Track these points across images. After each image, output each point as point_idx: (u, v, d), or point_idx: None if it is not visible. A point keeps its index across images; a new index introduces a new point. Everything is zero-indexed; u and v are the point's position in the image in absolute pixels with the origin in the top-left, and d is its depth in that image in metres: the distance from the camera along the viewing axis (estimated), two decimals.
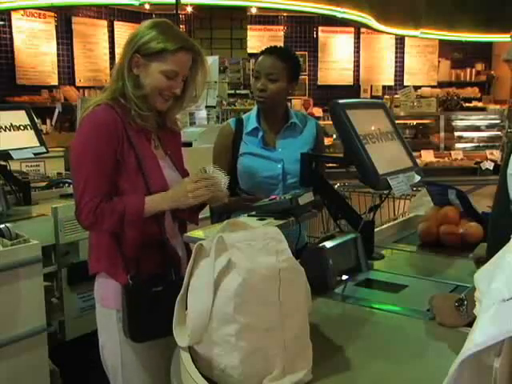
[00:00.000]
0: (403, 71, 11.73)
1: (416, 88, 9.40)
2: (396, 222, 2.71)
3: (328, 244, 1.75)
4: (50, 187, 3.71)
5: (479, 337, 0.72)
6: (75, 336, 2.88)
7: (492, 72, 11.42)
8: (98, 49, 9.81)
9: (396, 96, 9.14)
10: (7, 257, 2.21)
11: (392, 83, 11.64)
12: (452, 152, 7.88)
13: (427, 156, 7.66)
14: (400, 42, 11.59)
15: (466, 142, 8.19)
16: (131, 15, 9.93)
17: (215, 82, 5.37)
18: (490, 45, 11.19)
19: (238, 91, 8.23)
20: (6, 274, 2.20)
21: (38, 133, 3.38)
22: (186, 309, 1.19)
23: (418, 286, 1.76)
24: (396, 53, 11.70)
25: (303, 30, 11.34)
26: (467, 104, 9.16)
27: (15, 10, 8.20)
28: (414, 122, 8.26)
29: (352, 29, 11.23)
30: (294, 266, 1.15)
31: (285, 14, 10.91)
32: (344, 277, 1.79)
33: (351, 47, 11.53)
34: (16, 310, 2.24)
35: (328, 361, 1.24)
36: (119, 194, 1.67)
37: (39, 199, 3.34)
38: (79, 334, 2.86)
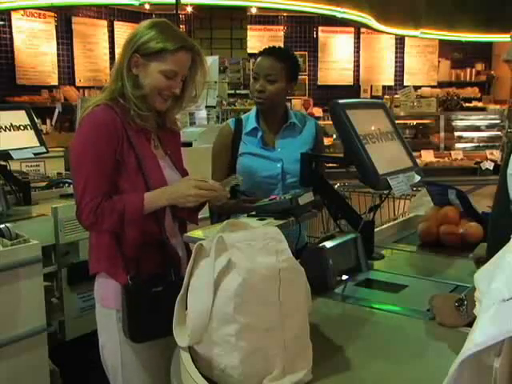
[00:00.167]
0: (403, 71, 11.73)
1: (416, 88, 9.41)
2: (396, 222, 2.71)
3: (328, 244, 1.75)
4: (50, 187, 3.71)
5: (479, 337, 0.72)
6: (75, 336, 2.88)
7: (492, 72, 11.42)
8: (98, 49, 9.81)
9: (396, 96, 9.14)
10: (7, 257, 2.21)
11: (392, 83, 11.65)
12: (452, 152, 7.88)
13: (427, 156, 7.66)
14: (400, 42, 11.59)
15: (466, 142, 8.20)
16: (131, 15, 9.93)
17: (215, 82, 5.37)
18: (490, 45, 11.19)
19: (238, 91, 8.23)
20: (6, 274, 2.20)
21: (38, 133, 3.38)
22: (186, 309, 1.19)
23: (417, 286, 1.76)
24: (396, 53, 11.70)
25: (303, 30, 11.34)
26: (467, 104, 9.17)
27: (15, 9, 8.20)
28: (414, 122, 8.26)
29: (352, 29, 11.23)
30: (294, 266, 1.15)
31: (285, 14, 10.92)
32: (344, 277, 1.79)
33: (351, 47, 11.53)
34: (16, 310, 2.24)
35: (328, 361, 1.24)
36: (119, 193, 1.67)
37: (39, 199, 3.34)
38: (79, 334, 2.86)
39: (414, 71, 11.72)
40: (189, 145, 3.86)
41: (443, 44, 11.35)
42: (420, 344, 1.36)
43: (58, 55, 9.23)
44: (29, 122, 3.32)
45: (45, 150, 3.34)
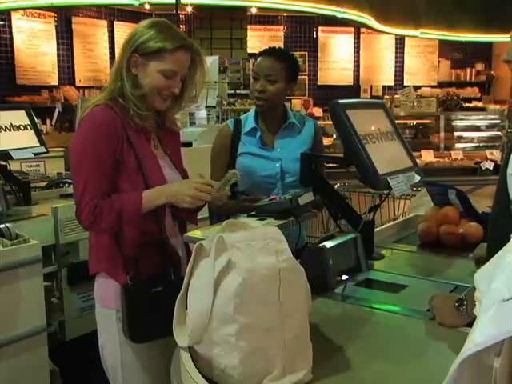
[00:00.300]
0: (403, 71, 11.73)
1: (416, 88, 9.41)
2: (396, 222, 2.71)
3: (328, 244, 1.75)
4: (50, 187, 3.71)
5: (479, 337, 0.72)
6: (75, 336, 2.88)
7: (492, 72, 11.42)
8: (98, 49, 9.81)
9: (396, 96, 9.14)
10: (7, 257, 2.21)
11: (392, 83, 11.64)
12: (452, 152, 7.89)
13: (427, 156, 7.67)
14: (400, 41, 11.58)
15: (466, 142, 8.20)
16: (131, 15, 9.93)
17: (215, 82, 5.37)
18: (490, 45, 11.18)
19: (238, 91, 8.22)
20: (6, 274, 2.20)
21: (38, 133, 3.38)
22: (186, 309, 1.19)
23: (418, 286, 1.76)
24: (396, 53, 11.70)
25: (303, 30, 11.34)
26: (467, 104, 9.17)
27: (15, 9, 8.20)
28: (414, 122, 8.26)
29: (352, 29, 11.23)
30: (294, 266, 1.15)
31: (285, 14, 10.91)
32: (344, 277, 1.79)
33: (351, 47, 11.53)
34: (16, 310, 2.24)
35: (328, 361, 1.24)
36: (119, 193, 1.67)
37: (39, 199, 3.34)
38: (79, 334, 2.86)
39: (413, 71, 11.72)
40: (189, 145, 3.86)
41: (443, 44, 11.35)
42: (420, 344, 1.36)
43: (58, 55, 9.23)
44: (29, 122, 3.32)
45: (45, 150, 3.34)
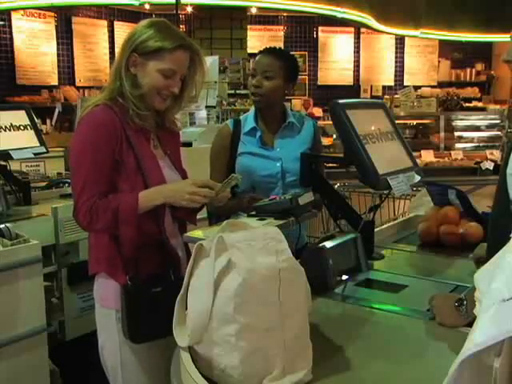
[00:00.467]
0: (403, 71, 11.74)
1: (416, 88, 9.41)
2: (396, 221, 2.71)
3: (328, 244, 1.75)
4: (50, 187, 3.71)
5: (479, 337, 0.72)
6: (75, 336, 2.88)
7: (492, 72, 11.43)
8: (98, 49, 9.82)
9: (396, 96, 9.15)
10: (7, 257, 2.21)
11: (392, 83, 11.65)
12: (452, 152, 7.89)
13: (427, 156, 7.67)
14: (400, 42, 11.59)
15: (466, 142, 8.20)
16: (131, 15, 9.93)
17: (215, 82, 5.36)
18: (490, 45, 11.19)
19: (238, 91, 8.22)
20: (6, 274, 2.20)
21: (38, 133, 3.38)
22: (186, 309, 1.19)
23: (418, 286, 1.76)
24: (396, 53, 11.71)
25: (303, 30, 11.34)
26: (467, 104, 9.18)
27: (15, 9, 8.20)
28: (414, 122, 8.27)
29: (352, 29, 11.23)
30: (294, 266, 1.15)
31: (285, 14, 10.92)
32: (344, 277, 1.79)
33: (351, 47, 11.53)
34: (16, 310, 2.24)
35: (328, 361, 1.24)
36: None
37: (39, 199, 3.34)
38: (79, 334, 2.86)
39: (414, 71, 11.72)
40: (189, 145, 3.86)
41: (443, 44, 11.35)
42: (420, 344, 1.36)
43: (58, 55, 9.24)
44: (29, 122, 3.32)
45: (45, 150, 3.34)
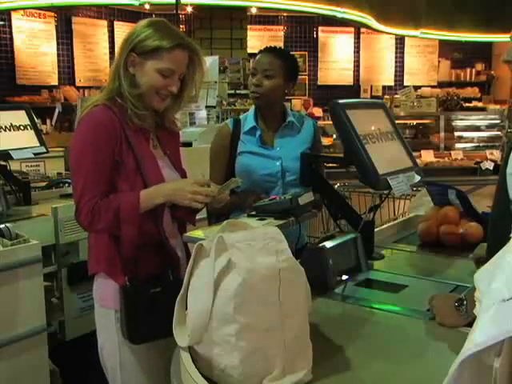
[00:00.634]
0: (403, 71, 11.74)
1: (416, 88, 9.42)
2: (396, 222, 2.71)
3: (328, 244, 1.75)
4: (50, 187, 3.70)
5: (479, 337, 0.72)
6: (75, 336, 2.88)
7: (492, 72, 11.43)
8: (98, 49, 9.82)
9: (396, 96, 9.15)
10: (7, 257, 2.21)
11: (392, 83, 11.65)
12: (452, 152, 7.89)
13: (427, 156, 7.67)
14: (400, 41, 11.59)
15: (466, 142, 8.20)
16: (131, 15, 9.93)
17: (215, 82, 5.36)
18: (490, 45, 11.19)
19: (238, 91, 8.22)
20: (6, 274, 2.20)
21: (38, 133, 3.38)
22: (186, 309, 1.19)
23: (418, 286, 1.76)
24: (396, 53, 11.71)
25: (303, 30, 11.34)
26: (467, 104, 9.17)
27: (15, 9, 8.20)
28: (414, 122, 8.26)
29: (352, 29, 11.23)
30: (294, 266, 1.15)
31: (285, 14, 10.92)
32: (344, 277, 1.79)
33: (351, 47, 11.53)
34: (16, 310, 2.24)
35: (328, 361, 1.24)
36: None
37: (39, 199, 3.34)
38: (79, 334, 2.86)
39: (413, 71, 11.72)
40: (189, 145, 3.86)
41: (443, 44, 11.35)
42: (420, 344, 1.36)
43: (58, 55, 9.24)
44: (29, 122, 3.32)
45: (45, 150, 3.34)
